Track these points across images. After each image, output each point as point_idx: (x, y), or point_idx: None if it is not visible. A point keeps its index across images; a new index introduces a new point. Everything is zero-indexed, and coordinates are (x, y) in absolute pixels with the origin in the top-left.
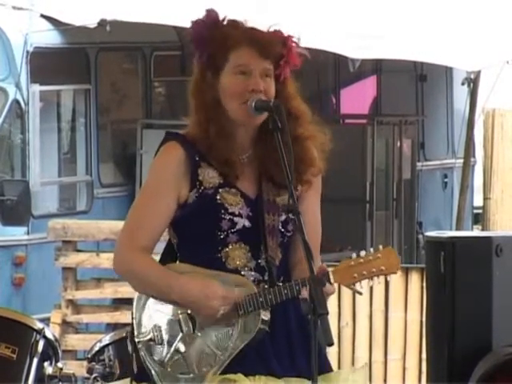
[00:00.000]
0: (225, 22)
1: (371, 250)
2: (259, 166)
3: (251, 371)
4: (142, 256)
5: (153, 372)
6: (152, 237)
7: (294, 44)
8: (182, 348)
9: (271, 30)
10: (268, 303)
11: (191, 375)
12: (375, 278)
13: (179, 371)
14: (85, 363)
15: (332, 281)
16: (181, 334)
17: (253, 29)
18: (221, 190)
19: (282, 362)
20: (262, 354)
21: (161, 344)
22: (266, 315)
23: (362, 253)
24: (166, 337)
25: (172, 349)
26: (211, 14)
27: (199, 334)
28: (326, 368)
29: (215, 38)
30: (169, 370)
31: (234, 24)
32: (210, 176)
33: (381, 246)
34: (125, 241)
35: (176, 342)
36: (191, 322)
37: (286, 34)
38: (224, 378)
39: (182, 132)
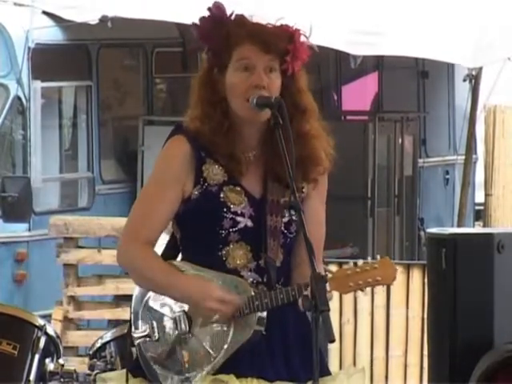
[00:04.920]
0: (232, 17)
1: (369, 259)
2: (265, 165)
3: (244, 373)
4: (144, 250)
5: (147, 368)
6: (155, 230)
7: (301, 38)
8: (177, 346)
9: (278, 24)
10: (264, 307)
11: (185, 374)
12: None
13: (173, 369)
14: (86, 360)
15: (328, 288)
16: (176, 333)
17: (256, 24)
18: (225, 187)
19: (276, 365)
20: (256, 357)
21: (157, 341)
22: (262, 314)
23: (360, 262)
24: (162, 334)
25: (167, 347)
26: (217, 10)
27: (195, 333)
28: (323, 371)
29: (219, 35)
30: (163, 367)
31: (239, 21)
32: (214, 173)
33: (379, 256)
34: (129, 233)
35: (171, 340)
36: (187, 321)
37: (293, 28)
38: (215, 379)
39: (186, 125)
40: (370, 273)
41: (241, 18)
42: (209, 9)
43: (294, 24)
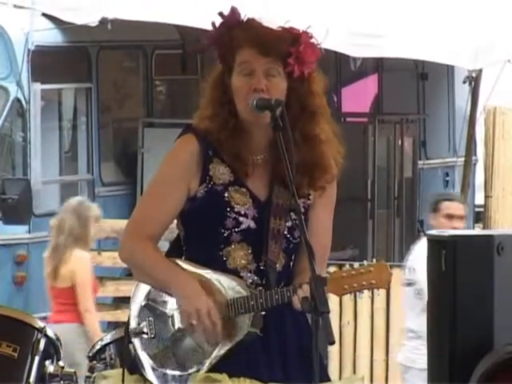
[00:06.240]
0: (243, 21)
1: (365, 262)
2: (273, 169)
3: (237, 373)
4: (145, 246)
5: (143, 364)
6: (159, 227)
7: (308, 41)
8: (173, 344)
9: (286, 26)
10: (259, 307)
11: (179, 371)
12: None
13: (169, 366)
14: (86, 362)
15: None
16: (173, 330)
17: (260, 28)
18: (230, 188)
19: (271, 366)
20: (251, 357)
21: (153, 338)
22: (257, 315)
23: (356, 265)
24: (158, 331)
25: (163, 343)
26: (228, 14)
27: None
28: (322, 377)
29: (223, 39)
30: (158, 364)
31: (245, 24)
32: (220, 172)
33: (374, 260)
34: (131, 229)
35: (167, 337)
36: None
37: (299, 31)
38: (207, 376)
39: (195, 125)
40: (365, 276)
41: (249, 22)
42: (220, 13)
43: (308, 27)
